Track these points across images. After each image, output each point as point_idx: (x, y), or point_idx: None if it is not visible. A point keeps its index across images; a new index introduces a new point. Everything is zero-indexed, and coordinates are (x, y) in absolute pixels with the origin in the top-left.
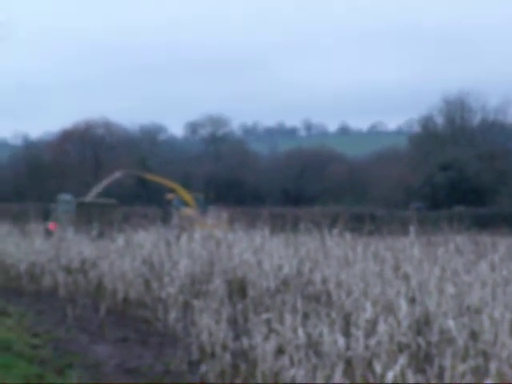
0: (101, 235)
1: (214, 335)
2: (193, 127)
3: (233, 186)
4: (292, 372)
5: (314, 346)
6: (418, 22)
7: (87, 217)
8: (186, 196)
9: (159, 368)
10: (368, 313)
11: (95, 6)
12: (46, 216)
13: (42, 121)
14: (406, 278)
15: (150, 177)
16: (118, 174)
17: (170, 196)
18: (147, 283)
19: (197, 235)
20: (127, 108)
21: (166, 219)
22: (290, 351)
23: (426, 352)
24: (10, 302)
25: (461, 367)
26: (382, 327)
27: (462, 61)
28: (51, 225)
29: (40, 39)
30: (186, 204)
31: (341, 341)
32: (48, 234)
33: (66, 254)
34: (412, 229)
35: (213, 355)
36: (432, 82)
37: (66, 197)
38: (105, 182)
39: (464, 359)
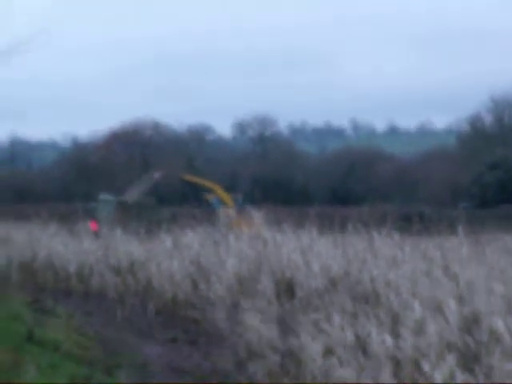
0: (148, 233)
1: (262, 335)
2: (240, 127)
3: (280, 185)
4: (340, 372)
5: (362, 346)
6: (466, 21)
7: (127, 216)
8: (225, 196)
9: (207, 368)
10: (416, 312)
11: (144, 12)
12: (86, 215)
13: (91, 122)
14: (455, 277)
15: (188, 177)
16: (156, 175)
17: (209, 196)
18: (195, 283)
19: (244, 235)
20: (175, 109)
21: (212, 219)
22: (339, 351)
23: (475, 351)
24: (59, 302)
25: (509, 366)
26: (430, 327)
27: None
28: (92, 224)
29: (90, 44)
30: (224, 204)
31: (389, 341)
32: (92, 234)
33: (114, 255)
34: (460, 228)
35: (261, 355)
36: (481, 80)
37: (105, 196)
38: (143, 183)
39: None
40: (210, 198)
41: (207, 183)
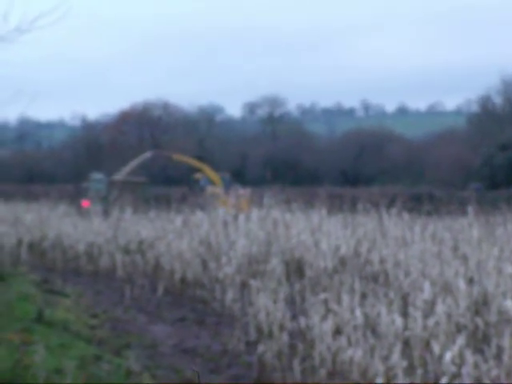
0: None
1: (272, 315)
2: (250, 108)
3: (290, 166)
4: (350, 352)
5: (371, 327)
6: (475, 2)
7: (117, 194)
8: (213, 175)
9: (216, 348)
10: (426, 293)
11: None
12: (79, 194)
13: (100, 102)
14: (465, 258)
15: (178, 157)
16: (148, 154)
17: (197, 175)
18: (204, 263)
19: (254, 215)
20: (185, 89)
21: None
22: (348, 331)
23: (484, 332)
24: (68, 282)
25: None
26: (440, 307)
27: None
28: (84, 202)
29: (100, 24)
30: (212, 183)
31: (399, 321)
32: (81, 211)
33: (123, 235)
34: (470, 209)
35: (270, 335)
36: (491, 61)
37: (97, 175)
38: (135, 162)
39: None
40: (199, 176)
41: (196, 163)
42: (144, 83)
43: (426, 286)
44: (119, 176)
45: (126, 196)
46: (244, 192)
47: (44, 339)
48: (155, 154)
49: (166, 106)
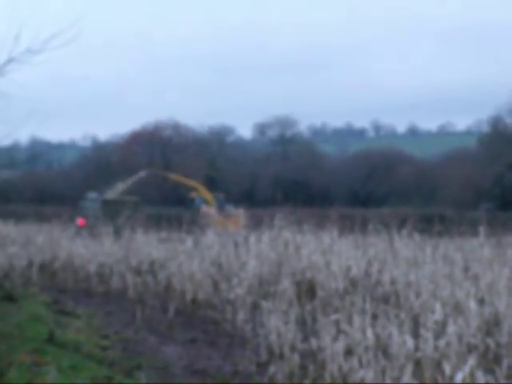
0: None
1: (283, 336)
2: (261, 128)
3: (301, 186)
4: (361, 373)
5: (382, 347)
6: (486, 22)
7: (109, 213)
8: (207, 195)
9: (228, 369)
10: (437, 314)
11: (163, 13)
12: (76, 213)
13: (111, 123)
14: (476, 278)
15: (173, 176)
16: (142, 173)
17: (192, 194)
18: (215, 284)
19: (265, 237)
20: (196, 110)
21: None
22: (359, 352)
23: (495, 353)
24: (79, 303)
25: None
26: (451, 328)
27: None
28: (80, 221)
29: (110, 42)
30: (207, 203)
31: (410, 342)
32: (77, 229)
33: (135, 255)
34: (482, 230)
35: (281, 356)
36: (502, 81)
37: (92, 194)
38: (129, 181)
39: None
40: (194, 195)
41: (191, 183)
42: (155, 104)
43: (437, 306)
44: (111, 195)
45: (116, 215)
46: (236, 212)
47: (55, 360)
48: (149, 173)
49: (176, 127)
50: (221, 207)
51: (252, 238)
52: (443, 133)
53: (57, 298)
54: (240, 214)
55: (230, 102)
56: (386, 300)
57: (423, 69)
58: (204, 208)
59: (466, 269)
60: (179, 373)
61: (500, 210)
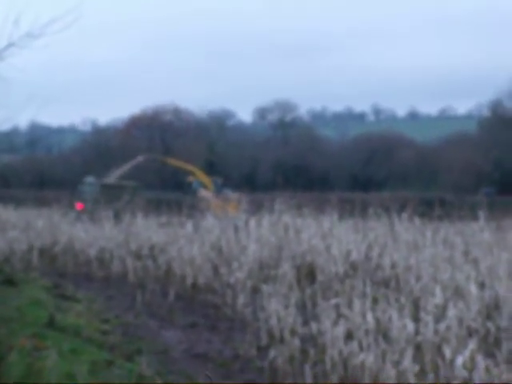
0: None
1: (283, 320)
2: (261, 113)
3: (301, 171)
4: (361, 357)
5: (383, 331)
6: (486, 6)
7: (109, 197)
8: (205, 179)
9: (228, 353)
10: (437, 298)
11: None
12: (74, 197)
13: (111, 107)
14: (476, 262)
15: (170, 161)
16: (140, 158)
17: (189, 178)
18: (216, 268)
19: (265, 221)
20: (196, 94)
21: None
22: (359, 336)
23: (496, 336)
24: (80, 287)
25: None
26: (451, 312)
27: None
28: (78, 205)
29: (109, 26)
30: (204, 186)
31: (410, 326)
32: (76, 213)
33: (135, 240)
34: (482, 214)
35: (282, 340)
36: (502, 65)
37: (89, 179)
38: (127, 166)
39: None
40: (192, 179)
41: (188, 167)
42: (155, 88)
43: (438, 290)
44: (110, 179)
45: (116, 199)
46: (233, 196)
47: (55, 344)
48: (147, 157)
49: (176, 111)
50: (218, 191)
51: (252, 222)
52: (443, 117)
53: (57, 283)
54: (236, 197)
55: (231, 86)
56: (386, 284)
57: (423, 52)
58: (201, 192)
59: (466, 252)
60: (179, 357)
61: (500, 194)
